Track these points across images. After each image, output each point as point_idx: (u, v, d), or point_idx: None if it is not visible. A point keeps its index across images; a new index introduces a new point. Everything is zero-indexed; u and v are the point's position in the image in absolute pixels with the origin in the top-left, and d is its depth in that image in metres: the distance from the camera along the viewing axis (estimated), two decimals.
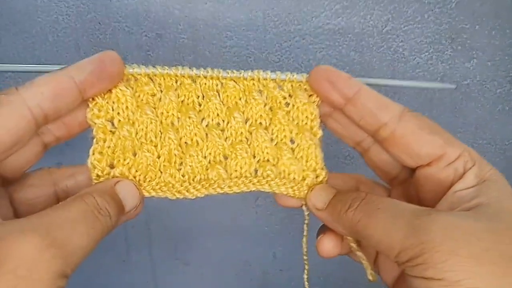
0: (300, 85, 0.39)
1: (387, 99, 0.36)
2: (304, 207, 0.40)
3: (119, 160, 0.37)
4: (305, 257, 0.42)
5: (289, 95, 0.39)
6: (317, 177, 0.40)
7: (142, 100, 0.38)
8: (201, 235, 0.76)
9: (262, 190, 0.39)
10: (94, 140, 0.36)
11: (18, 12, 0.59)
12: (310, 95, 0.39)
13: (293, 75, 0.39)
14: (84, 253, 0.29)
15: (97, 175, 0.36)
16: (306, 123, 0.40)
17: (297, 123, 0.40)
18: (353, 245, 0.38)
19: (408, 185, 0.39)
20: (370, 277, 0.39)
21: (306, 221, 0.40)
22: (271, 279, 0.81)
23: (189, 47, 0.60)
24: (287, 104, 0.40)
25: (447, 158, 0.35)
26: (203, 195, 0.38)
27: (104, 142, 0.36)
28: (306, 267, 0.42)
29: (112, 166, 0.37)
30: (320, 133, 0.40)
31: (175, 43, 0.60)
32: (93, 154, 0.36)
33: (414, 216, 0.30)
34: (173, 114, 0.38)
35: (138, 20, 0.59)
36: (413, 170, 0.38)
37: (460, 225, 0.29)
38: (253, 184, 0.39)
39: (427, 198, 0.36)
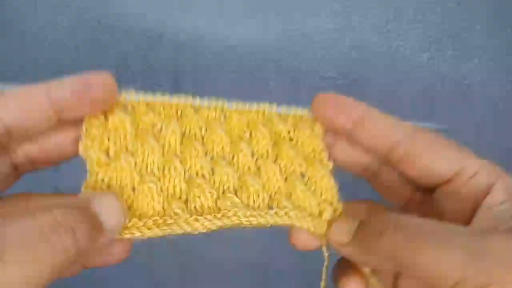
0: (302, 118, 0.37)
1: (396, 119, 0.35)
2: (323, 248, 0.35)
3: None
4: None
5: (293, 129, 0.37)
6: (334, 211, 0.36)
7: (141, 129, 0.34)
8: (201, 235, 0.76)
9: (281, 223, 0.34)
10: (88, 174, 0.31)
11: (17, 11, 0.58)
12: (313, 128, 0.37)
13: (296, 110, 0.37)
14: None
15: None
16: (314, 156, 0.37)
17: (304, 157, 0.37)
18: (375, 281, 0.34)
19: (425, 208, 0.36)
20: None
21: (326, 263, 0.36)
22: (271, 279, 0.80)
23: (189, 47, 0.59)
24: (291, 139, 0.37)
25: (468, 171, 0.32)
26: (216, 228, 0.33)
27: (98, 175, 0.31)
28: None
29: None
30: (330, 164, 0.37)
31: (175, 42, 0.59)
32: (85, 189, 0.31)
33: (471, 239, 0.26)
34: (175, 147, 0.34)
35: (138, 19, 0.58)
36: (429, 190, 0.35)
37: None
38: (271, 216, 0.34)
39: (450, 220, 0.33)
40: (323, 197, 0.36)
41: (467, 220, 0.32)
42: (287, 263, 0.79)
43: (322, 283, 0.36)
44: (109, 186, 0.31)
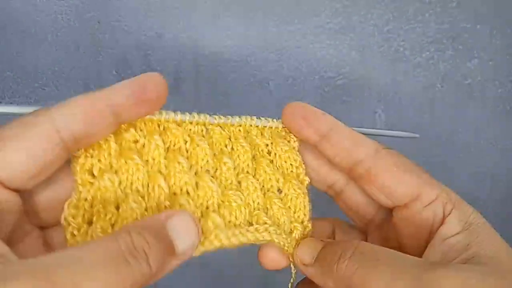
0: (278, 131, 0.38)
1: (362, 136, 0.35)
2: (292, 265, 0.36)
3: (100, 215, 0.30)
4: None
5: (271, 142, 0.37)
6: (304, 229, 0.37)
7: (124, 147, 0.32)
8: None
9: (261, 239, 0.35)
10: (73, 193, 0.31)
11: (16, 11, 0.58)
12: (289, 141, 0.38)
13: (272, 121, 0.37)
14: None
15: (72, 234, 0.30)
16: (291, 171, 0.38)
17: (282, 172, 0.37)
18: None
19: (386, 230, 0.37)
20: None
21: (291, 280, 0.37)
22: (271, 280, 0.80)
23: (189, 46, 0.59)
24: (269, 152, 0.38)
25: (424, 199, 0.33)
26: (198, 254, 0.32)
27: (80, 194, 0.30)
28: None
29: (90, 224, 0.30)
30: (307, 180, 0.38)
31: (174, 42, 0.59)
32: (68, 208, 0.30)
33: (420, 270, 0.27)
34: (159, 161, 0.33)
35: (138, 19, 0.58)
36: (390, 213, 0.36)
37: (470, 282, 0.26)
38: (251, 233, 0.34)
39: (407, 244, 0.34)
40: (296, 215, 0.37)
41: (422, 247, 0.33)
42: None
43: None
44: (91, 206, 0.30)
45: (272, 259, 0.36)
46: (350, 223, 0.41)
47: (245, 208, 0.35)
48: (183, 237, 0.28)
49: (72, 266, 0.22)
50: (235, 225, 0.34)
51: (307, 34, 0.59)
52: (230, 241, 0.33)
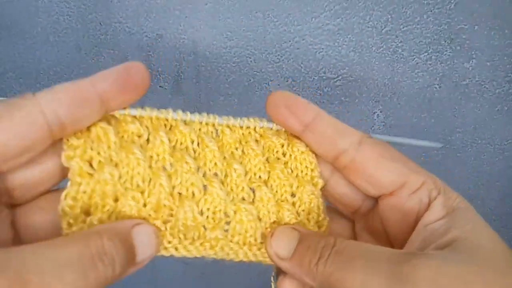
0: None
1: (346, 125, 0.35)
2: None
3: (97, 207, 0.31)
4: None
5: (288, 144, 0.36)
6: (319, 228, 0.36)
7: (126, 140, 0.32)
8: None
9: (270, 262, 0.34)
10: (69, 183, 0.31)
11: (19, 12, 0.59)
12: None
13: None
14: None
15: (69, 223, 0.30)
16: (306, 174, 0.37)
17: (296, 175, 0.36)
18: None
19: (372, 219, 0.37)
20: None
21: (273, 274, 0.37)
22: (270, 279, 0.80)
23: (189, 47, 0.60)
24: (284, 154, 0.37)
25: (410, 186, 0.33)
26: (193, 256, 0.33)
27: (80, 186, 0.30)
28: None
29: (88, 213, 0.31)
30: (321, 183, 0.37)
31: (175, 44, 0.60)
32: (65, 199, 0.30)
33: (394, 263, 0.27)
34: (164, 158, 0.33)
35: (139, 21, 0.59)
36: (376, 201, 0.36)
37: (444, 271, 0.26)
38: (262, 253, 0.34)
39: (393, 231, 0.34)
40: (310, 216, 0.36)
41: (408, 234, 0.33)
42: None
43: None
44: (90, 198, 0.31)
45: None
46: (337, 209, 0.41)
47: (257, 222, 0.34)
48: (145, 247, 0.29)
49: (46, 266, 0.23)
50: (244, 241, 0.34)
51: (306, 35, 0.59)
52: (237, 256, 0.33)
